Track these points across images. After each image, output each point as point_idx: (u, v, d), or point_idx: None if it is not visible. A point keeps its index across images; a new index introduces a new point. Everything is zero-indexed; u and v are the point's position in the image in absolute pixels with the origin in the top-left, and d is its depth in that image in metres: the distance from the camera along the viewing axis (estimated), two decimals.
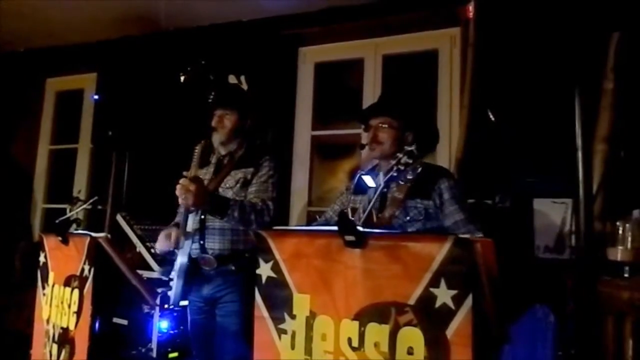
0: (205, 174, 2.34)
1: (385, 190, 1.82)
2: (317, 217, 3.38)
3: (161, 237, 2.23)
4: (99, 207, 3.57)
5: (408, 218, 1.83)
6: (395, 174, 1.72)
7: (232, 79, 3.24)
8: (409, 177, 1.78)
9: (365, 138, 2.00)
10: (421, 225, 1.81)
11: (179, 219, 2.26)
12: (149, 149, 3.73)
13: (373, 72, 3.44)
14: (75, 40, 4.09)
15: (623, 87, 2.40)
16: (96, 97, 3.70)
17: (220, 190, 2.23)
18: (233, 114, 2.30)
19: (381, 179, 1.75)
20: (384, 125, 1.93)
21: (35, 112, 4.64)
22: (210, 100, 2.60)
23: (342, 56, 3.60)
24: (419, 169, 1.81)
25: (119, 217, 3.01)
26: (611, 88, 2.41)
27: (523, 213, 2.57)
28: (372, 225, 1.73)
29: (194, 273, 2.17)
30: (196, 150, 2.24)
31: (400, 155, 1.72)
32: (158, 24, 3.68)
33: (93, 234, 2.01)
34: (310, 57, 3.65)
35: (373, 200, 1.72)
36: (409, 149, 1.72)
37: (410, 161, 1.71)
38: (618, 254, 2.17)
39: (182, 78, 3.53)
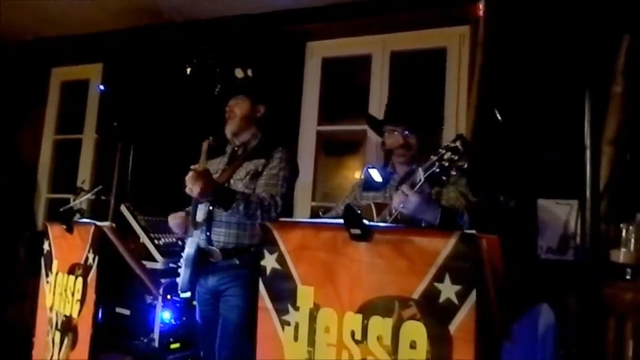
0: (219, 164, 2.35)
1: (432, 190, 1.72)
2: (320, 212, 3.40)
3: (170, 217, 2.29)
4: (103, 197, 3.58)
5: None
6: (437, 170, 1.54)
7: (239, 73, 3.24)
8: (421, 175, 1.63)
9: (389, 141, 1.98)
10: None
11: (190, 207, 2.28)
12: (154, 141, 3.73)
13: (380, 69, 3.43)
14: (82, 30, 4.09)
15: (632, 90, 2.39)
16: (102, 87, 3.70)
17: (232, 181, 2.23)
18: (244, 102, 2.31)
19: (421, 174, 1.58)
20: (404, 132, 1.92)
21: (41, 101, 4.63)
22: (216, 93, 2.61)
23: (350, 52, 3.60)
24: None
25: (122, 208, 3.01)
26: (620, 91, 2.41)
27: (527, 213, 2.57)
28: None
29: (201, 263, 2.18)
30: (203, 145, 2.25)
31: (442, 151, 1.54)
32: (165, 16, 3.68)
33: (98, 223, 2.01)
34: (317, 52, 3.64)
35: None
36: (453, 145, 1.52)
37: (456, 157, 1.51)
38: (621, 256, 2.18)
39: (188, 70, 3.53)
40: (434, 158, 1.55)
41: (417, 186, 1.58)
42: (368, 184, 2.02)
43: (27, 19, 4.01)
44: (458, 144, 1.52)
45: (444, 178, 1.57)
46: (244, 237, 2.19)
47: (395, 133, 1.95)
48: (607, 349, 2.05)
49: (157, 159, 3.73)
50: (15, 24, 4.07)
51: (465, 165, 1.55)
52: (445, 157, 1.52)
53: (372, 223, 1.26)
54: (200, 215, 2.19)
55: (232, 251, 2.18)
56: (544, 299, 2.30)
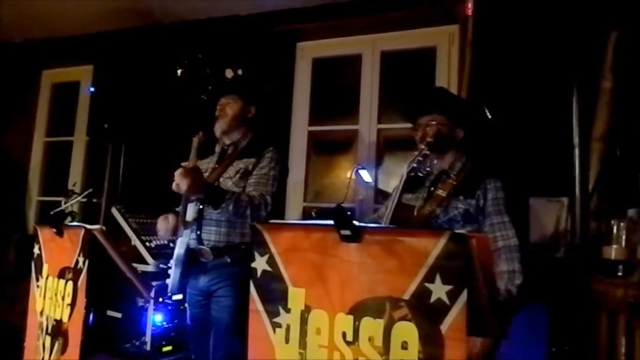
0: (209, 163, 2.33)
1: (432, 188, 1.88)
2: (313, 212, 3.39)
3: (160, 219, 2.25)
4: (94, 200, 3.56)
5: (447, 218, 1.81)
6: (415, 165, 1.76)
7: (229, 73, 3.23)
8: (453, 174, 1.83)
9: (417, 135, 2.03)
10: (460, 227, 1.76)
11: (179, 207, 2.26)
12: (145, 142, 3.72)
13: (371, 68, 3.43)
14: (72, 32, 4.06)
15: (620, 86, 2.41)
16: (92, 89, 3.67)
17: (221, 180, 2.22)
18: (236, 101, 2.29)
19: (404, 170, 1.77)
20: (432, 123, 1.94)
21: (31, 104, 4.61)
22: (206, 94, 2.59)
23: (340, 52, 3.60)
24: (462, 164, 1.84)
25: (113, 210, 2.99)
26: (609, 87, 2.42)
27: (519, 211, 2.57)
28: (409, 220, 1.76)
29: (191, 263, 2.16)
30: (194, 141, 2.23)
31: (422, 146, 1.78)
32: (155, 17, 3.66)
33: (88, 226, 1.99)
34: (308, 52, 3.64)
35: (398, 192, 1.73)
36: (430, 140, 1.81)
37: (428, 152, 1.78)
38: (612, 252, 2.18)
39: (178, 72, 3.52)
40: (415, 153, 1.81)
41: (402, 181, 1.74)
42: (408, 184, 2.01)
43: (15, 21, 3.97)
44: (432, 139, 1.85)
45: (449, 179, 1.83)
46: (234, 235, 2.17)
47: (421, 127, 1.99)
48: (599, 345, 2.06)
49: (148, 161, 3.71)
50: (4, 26, 4.02)
51: (465, 164, 1.87)
52: (422, 153, 1.80)
53: (362, 224, 1.25)
54: (190, 214, 2.17)
55: (223, 250, 2.16)
56: (537, 296, 2.31)
